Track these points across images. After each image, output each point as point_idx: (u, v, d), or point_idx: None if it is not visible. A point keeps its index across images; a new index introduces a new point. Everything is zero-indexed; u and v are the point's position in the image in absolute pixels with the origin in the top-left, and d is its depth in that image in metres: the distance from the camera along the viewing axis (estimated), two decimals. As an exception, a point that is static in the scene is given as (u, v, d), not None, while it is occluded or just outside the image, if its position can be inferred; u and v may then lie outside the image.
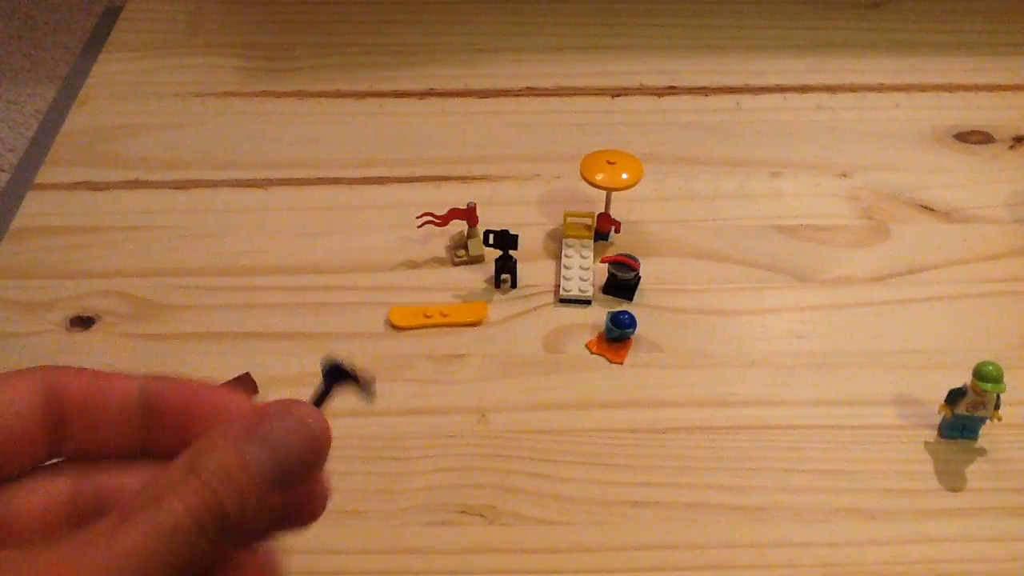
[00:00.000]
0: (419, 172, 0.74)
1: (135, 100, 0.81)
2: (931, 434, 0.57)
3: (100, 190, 0.73)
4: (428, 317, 0.62)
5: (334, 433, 0.59)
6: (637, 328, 0.61)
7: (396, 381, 0.60)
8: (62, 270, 0.67)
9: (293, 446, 0.24)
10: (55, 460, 0.25)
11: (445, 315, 0.63)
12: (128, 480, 0.25)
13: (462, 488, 0.54)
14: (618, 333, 0.61)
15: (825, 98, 0.81)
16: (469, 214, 0.65)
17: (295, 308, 0.64)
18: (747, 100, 0.81)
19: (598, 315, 0.63)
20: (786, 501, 0.54)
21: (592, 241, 0.67)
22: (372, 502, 0.54)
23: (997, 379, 0.52)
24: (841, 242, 0.69)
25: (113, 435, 0.25)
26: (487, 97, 0.81)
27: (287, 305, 0.64)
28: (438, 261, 0.67)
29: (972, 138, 0.78)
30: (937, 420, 0.57)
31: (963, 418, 0.55)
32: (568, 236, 0.67)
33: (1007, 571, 0.51)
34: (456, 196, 0.70)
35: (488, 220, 0.66)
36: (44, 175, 0.74)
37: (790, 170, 0.75)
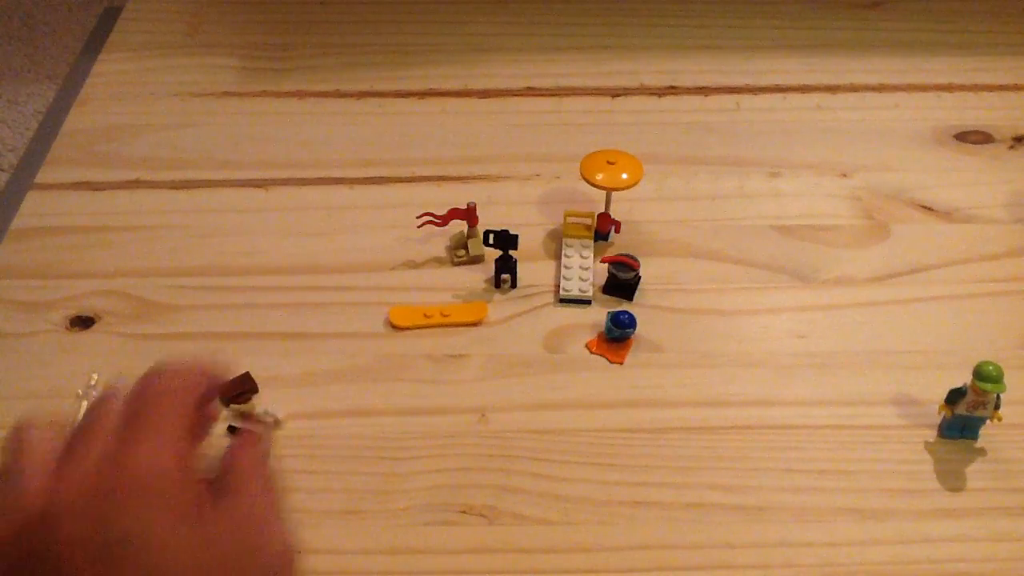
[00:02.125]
0: (419, 172, 0.74)
1: (135, 100, 0.81)
2: (931, 434, 0.57)
3: (100, 190, 0.73)
4: (428, 317, 0.62)
5: (333, 432, 0.60)
6: (637, 328, 0.61)
7: (396, 381, 0.60)
8: (62, 270, 0.67)
9: None
10: None
11: (445, 315, 0.63)
12: None
13: (462, 488, 0.54)
14: (618, 333, 0.61)
15: (825, 98, 0.81)
16: (469, 214, 0.65)
17: (295, 308, 0.64)
18: (747, 100, 0.81)
19: (598, 315, 0.63)
20: (786, 501, 0.54)
21: (592, 241, 0.67)
22: (372, 502, 0.54)
23: (997, 379, 0.52)
24: (841, 242, 0.69)
25: None
26: (487, 97, 0.81)
27: (287, 305, 0.64)
28: (438, 261, 0.67)
29: (972, 138, 0.78)
30: (937, 420, 0.57)
31: (963, 418, 0.55)
32: (568, 236, 0.67)
33: (1007, 571, 0.51)
34: (456, 196, 0.70)
35: (488, 220, 0.66)
36: (44, 175, 0.74)
37: (790, 170, 0.75)
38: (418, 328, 0.62)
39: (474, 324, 0.63)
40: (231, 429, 0.33)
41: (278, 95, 0.81)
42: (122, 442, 0.30)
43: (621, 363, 0.61)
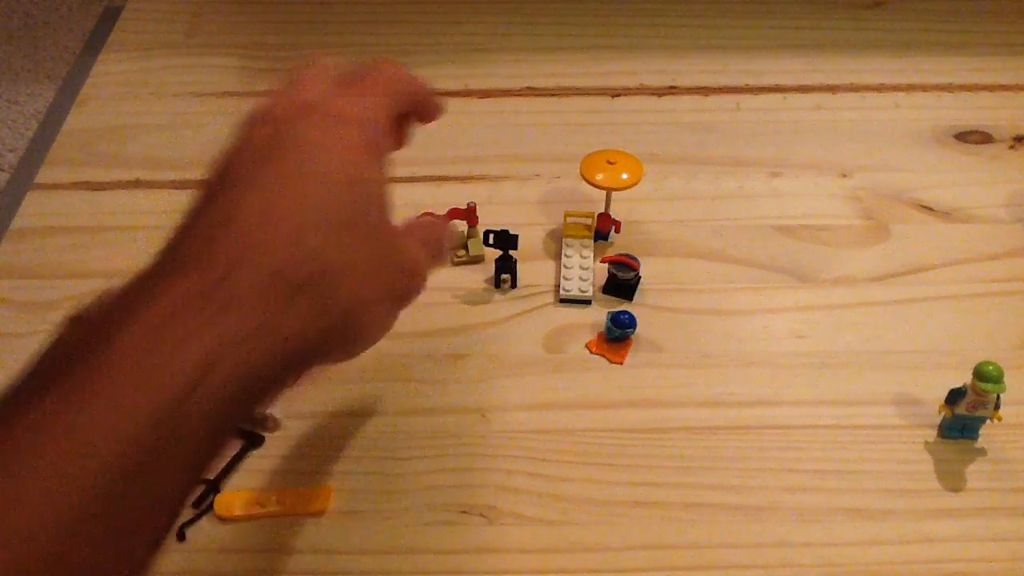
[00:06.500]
0: (419, 172, 0.74)
1: (135, 100, 0.81)
2: (931, 434, 0.57)
3: (100, 190, 0.73)
4: (262, 506, 0.53)
5: (333, 432, 0.60)
6: (637, 328, 0.61)
7: (396, 381, 0.60)
8: (62, 270, 0.67)
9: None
10: None
11: (282, 503, 0.53)
12: None
13: (462, 488, 0.54)
14: (618, 333, 0.61)
15: (825, 98, 0.81)
16: (469, 214, 0.65)
17: (295, 308, 0.64)
18: (747, 100, 0.81)
19: (598, 315, 0.63)
20: (786, 501, 0.54)
21: (592, 241, 0.67)
22: (372, 502, 0.54)
23: (997, 379, 0.52)
24: (841, 242, 0.69)
25: None
26: (487, 97, 0.81)
27: (287, 305, 0.64)
28: (438, 261, 0.67)
29: (972, 138, 0.78)
30: (937, 420, 0.57)
31: (963, 418, 0.55)
32: (568, 236, 0.67)
33: (1007, 571, 0.51)
34: (456, 196, 0.70)
35: (488, 220, 0.66)
36: (44, 175, 0.74)
37: (790, 170, 0.75)
38: (250, 519, 0.53)
39: (316, 514, 0.53)
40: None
41: (278, 95, 0.81)
42: (343, 87, 0.38)
43: (621, 363, 0.61)
